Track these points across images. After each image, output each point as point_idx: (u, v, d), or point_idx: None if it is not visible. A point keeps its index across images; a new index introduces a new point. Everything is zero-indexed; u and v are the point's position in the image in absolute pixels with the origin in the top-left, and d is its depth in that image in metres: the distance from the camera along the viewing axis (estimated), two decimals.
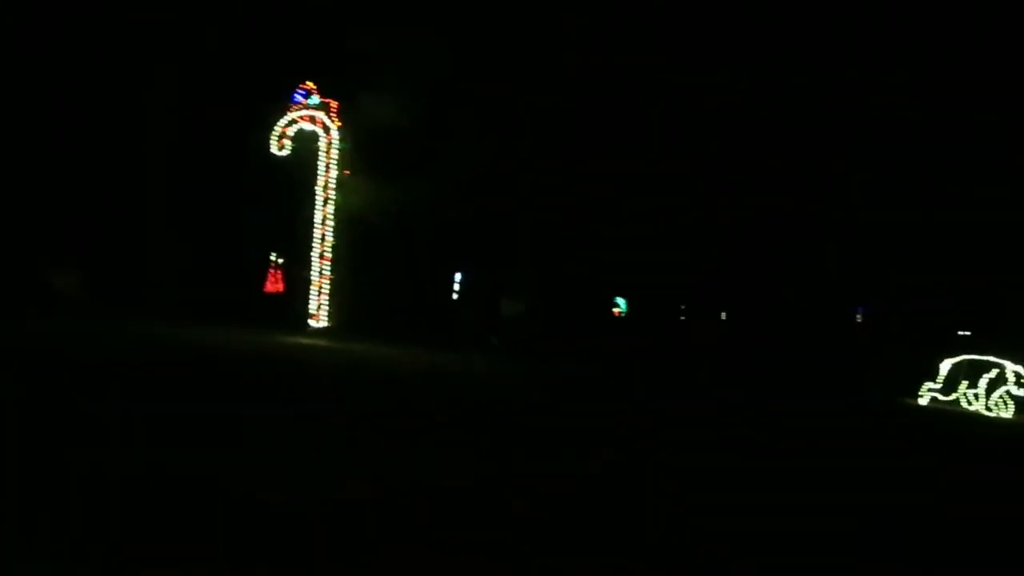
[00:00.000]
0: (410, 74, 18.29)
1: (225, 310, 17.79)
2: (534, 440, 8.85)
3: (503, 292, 20.71)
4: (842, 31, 22.26)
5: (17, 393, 7.82)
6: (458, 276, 22.55)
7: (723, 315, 26.27)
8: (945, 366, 19.02)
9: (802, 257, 23.77)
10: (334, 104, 18.31)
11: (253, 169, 18.53)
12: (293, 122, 18.29)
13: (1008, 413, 18.08)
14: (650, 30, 21.34)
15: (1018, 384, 17.90)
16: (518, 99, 20.44)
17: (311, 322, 18.27)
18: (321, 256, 18.36)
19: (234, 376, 11.34)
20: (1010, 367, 18.08)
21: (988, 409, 18.33)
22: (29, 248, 19.04)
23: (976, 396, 18.59)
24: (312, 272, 18.35)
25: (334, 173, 18.45)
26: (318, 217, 18.41)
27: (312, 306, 18.36)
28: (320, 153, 18.47)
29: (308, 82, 18.18)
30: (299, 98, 18.23)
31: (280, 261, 20.88)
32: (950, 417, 17.37)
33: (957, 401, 18.83)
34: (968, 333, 23.56)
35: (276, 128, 18.13)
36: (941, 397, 18.99)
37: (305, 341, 16.78)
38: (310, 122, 18.33)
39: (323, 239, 18.40)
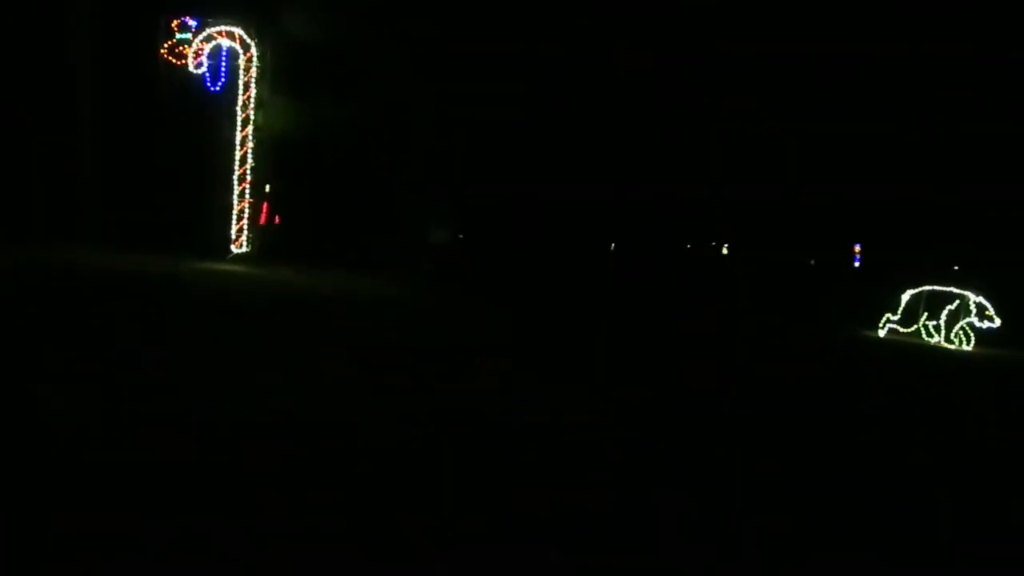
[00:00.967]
0: None
1: (145, 236, 17.04)
2: None
3: (432, 221, 20.04)
4: None
5: None
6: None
7: None
8: (905, 297, 17.84)
9: None
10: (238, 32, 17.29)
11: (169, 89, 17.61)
12: (210, 38, 17.35)
13: (969, 346, 16.89)
14: None
15: (980, 316, 16.65)
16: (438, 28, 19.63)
17: (232, 247, 17.48)
18: (241, 180, 17.49)
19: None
20: (972, 298, 16.84)
21: (949, 341, 17.14)
22: None
23: (937, 327, 17.41)
24: (232, 196, 17.48)
25: (254, 92, 17.51)
26: (237, 138, 17.51)
27: (232, 231, 17.54)
28: (239, 71, 17.52)
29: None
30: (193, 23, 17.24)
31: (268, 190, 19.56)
32: (901, 348, 16.24)
33: (917, 332, 17.68)
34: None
35: (193, 44, 17.20)
36: (901, 329, 17.86)
37: (225, 267, 16.09)
38: (228, 38, 17.36)
39: (243, 161, 17.51)
